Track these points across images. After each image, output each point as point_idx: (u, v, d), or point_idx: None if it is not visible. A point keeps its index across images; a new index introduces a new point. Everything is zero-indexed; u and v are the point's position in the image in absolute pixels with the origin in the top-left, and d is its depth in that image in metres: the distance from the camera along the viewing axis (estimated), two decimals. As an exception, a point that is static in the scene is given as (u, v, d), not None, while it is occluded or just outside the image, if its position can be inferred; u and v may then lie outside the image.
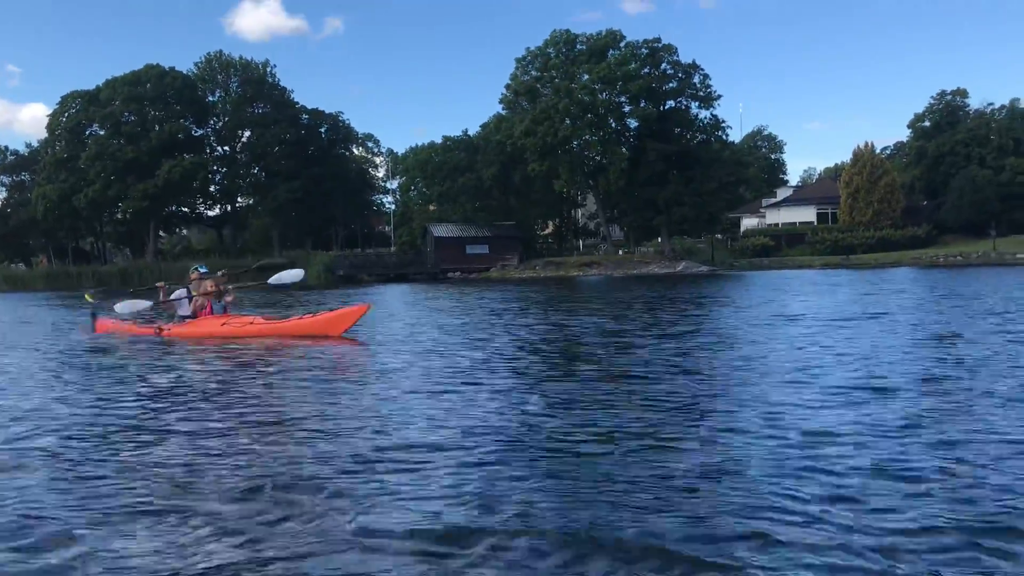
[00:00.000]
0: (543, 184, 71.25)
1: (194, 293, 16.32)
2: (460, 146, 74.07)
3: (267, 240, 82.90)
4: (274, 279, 16.87)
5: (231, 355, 12.62)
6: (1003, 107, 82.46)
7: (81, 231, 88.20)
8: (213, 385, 9.34)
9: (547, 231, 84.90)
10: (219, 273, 16.96)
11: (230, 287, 16.71)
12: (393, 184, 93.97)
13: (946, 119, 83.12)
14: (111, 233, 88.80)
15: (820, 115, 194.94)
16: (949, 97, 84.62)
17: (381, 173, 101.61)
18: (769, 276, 45.72)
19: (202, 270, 16.86)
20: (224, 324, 15.25)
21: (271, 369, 10.77)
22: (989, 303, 18.63)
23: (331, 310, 15.57)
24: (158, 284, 17.63)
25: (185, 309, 16.36)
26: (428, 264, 70.86)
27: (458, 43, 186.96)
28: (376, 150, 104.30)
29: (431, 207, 79.84)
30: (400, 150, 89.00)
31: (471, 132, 76.46)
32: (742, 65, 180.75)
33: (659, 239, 73.63)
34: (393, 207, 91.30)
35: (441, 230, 72.50)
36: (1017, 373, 7.79)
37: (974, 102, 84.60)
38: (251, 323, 15.19)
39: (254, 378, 10.00)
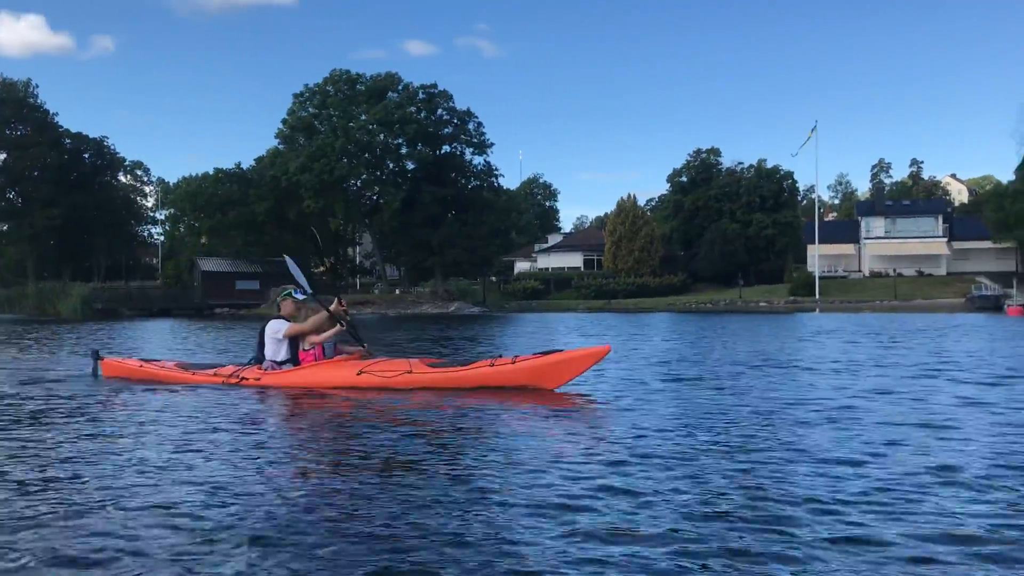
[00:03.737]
0: (319, 221, 70.79)
1: (298, 329, 10.67)
2: (232, 179, 72.38)
3: (21, 269, 77.48)
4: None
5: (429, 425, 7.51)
6: (751, 166, 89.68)
7: None
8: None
9: (322, 269, 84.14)
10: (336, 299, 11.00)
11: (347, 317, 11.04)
12: (162, 215, 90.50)
13: (701, 175, 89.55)
14: None
15: (593, 165, 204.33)
16: (704, 155, 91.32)
17: (150, 203, 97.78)
18: (535, 318, 47.45)
19: (299, 296, 10.89)
20: (363, 373, 10.04)
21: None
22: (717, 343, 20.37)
23: (542, 353, 9.96)
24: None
25: (280, 350, 10.72)
26: (195, 298, 68.52)
27: (236, 72, 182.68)
28: (145, 178, 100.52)
29: (202, 240, 77.39)
30: (172, 179, 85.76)
31: (244, 165, 74.98)
32: (523, 113, 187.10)
33: (434, 280, 74.79)
34: (162, 239, 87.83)
35: (210, 264, 70.41)
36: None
37: (726, 160, 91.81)
38: (408, 371, 9.96)
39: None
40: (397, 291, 74.06)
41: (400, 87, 70.50)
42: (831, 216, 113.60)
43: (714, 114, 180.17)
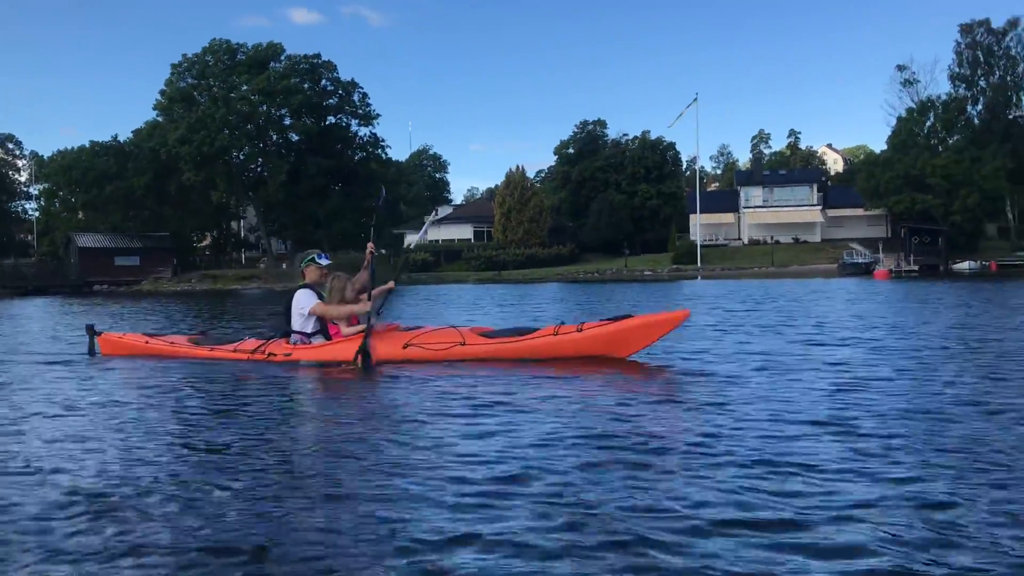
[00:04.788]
0: (200, 194, 69.25)
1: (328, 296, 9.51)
2: (109, 152, 70.11)
3: None
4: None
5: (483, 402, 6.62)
6: (636, 138, 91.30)
7: None
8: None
9: (205, 243, 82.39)
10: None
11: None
12: (36, 190, 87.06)
13: (587, 147, 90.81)
14: None
15: (483, 137, 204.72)
16: (590, 127, 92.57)
17: (23, 177, 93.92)
18: (425, 290, 47.58)
19: (324, 261, 9.82)
20: (409, 346, 9.11)
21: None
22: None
23: (612, 319, 9.11)
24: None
25: (308, 322, 9.59)
26: (72, 276, 66.34)
27: (111, 41, 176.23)
28: (18, 152, 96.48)
29: (79, 216, 74.80)
30: (46, 153, 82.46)
31: (122, 138, 72.69)
32: (411, 83, 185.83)
33: (321, 253, 74.01)
34: (36, 215, 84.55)
35: (87, 240, 68.23)
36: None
37: (612, 132, 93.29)
38: (460, 342, 9.07)
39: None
40: (284, 265, 73.12)
41: (283, 57, 69.26)
42: (713, 186, 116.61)
43: (600, 86, 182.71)
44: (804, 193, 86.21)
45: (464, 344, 9.02)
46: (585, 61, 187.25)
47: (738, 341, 11.19)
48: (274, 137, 69.50)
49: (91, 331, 11.36)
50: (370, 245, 9.83)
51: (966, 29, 74.60)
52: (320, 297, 9.48)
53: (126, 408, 6.75)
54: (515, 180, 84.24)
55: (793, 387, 7.07)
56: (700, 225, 79.61)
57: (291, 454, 5.01)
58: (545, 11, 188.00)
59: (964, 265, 62.52)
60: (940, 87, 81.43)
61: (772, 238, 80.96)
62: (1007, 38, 73.76)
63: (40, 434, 5.70)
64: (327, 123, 70.20)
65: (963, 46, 74.72)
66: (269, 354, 9.50)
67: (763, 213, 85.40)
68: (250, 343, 9.99)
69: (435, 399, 6.87)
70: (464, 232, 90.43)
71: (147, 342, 10.89)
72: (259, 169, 69.69)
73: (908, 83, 77.41)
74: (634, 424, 5.58)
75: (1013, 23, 73.34)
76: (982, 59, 74.17)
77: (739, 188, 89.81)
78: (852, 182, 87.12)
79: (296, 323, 9.58)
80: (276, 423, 6.06)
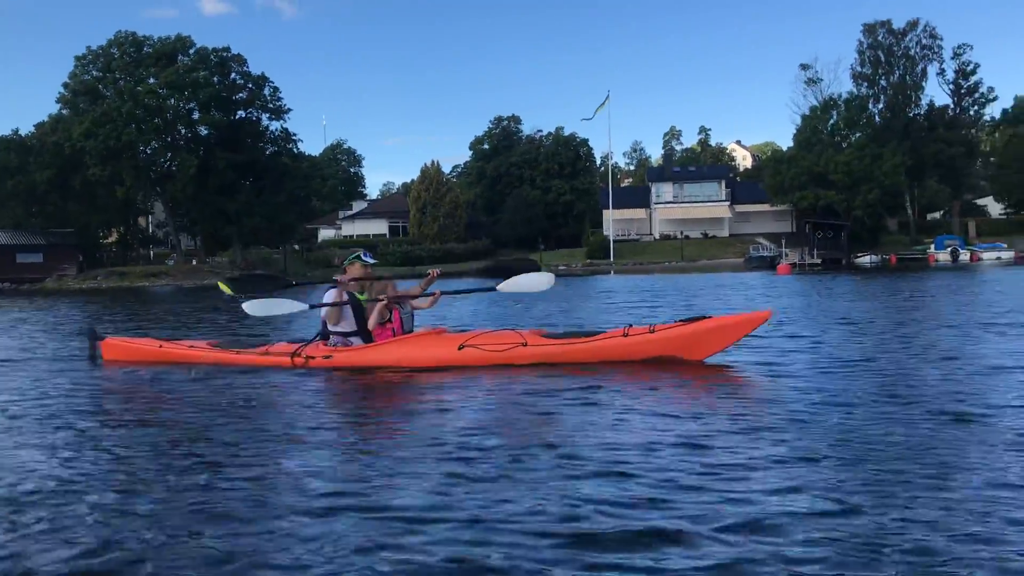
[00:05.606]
0: (107, 189, 67.57)
1: (364, 297, 9.23)
2: (10, 146, 67.88)
3: None
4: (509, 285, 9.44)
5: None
6: (550, 134, 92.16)
7: None
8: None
9: (112, 239, 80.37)
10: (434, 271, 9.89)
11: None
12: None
13: (502, 143, 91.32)
14: None
15: (399, 132, 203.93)
16: (505, 122, 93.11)
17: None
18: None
19: (369, 260, 9.57)
20: (465, 347, 8.67)
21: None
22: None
23: (686, 320, 8.71)
24: (338, 278, 9.58)
25: (346, 321, 9.18)
26: (-30, 274, 64.20)
27: (12, 33, 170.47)
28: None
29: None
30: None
31: (24, 132, 70.44)
32: (326, 77, 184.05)
33: (233, 249, 73.01)
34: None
35: (-14, 237, 66.07)
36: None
37: (526, 128, 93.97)
38: (522, 343, 8.60)
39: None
40: (194, 262, 71.86)
41: (192, 50, 68.01)
42: (627, 182, 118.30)
43: (515, 82, 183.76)
44: (713, 189, 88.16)
45: (526, 345, 8.58)
46: (500, 56, 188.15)
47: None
48: (183, 131, 68.18)
49: (93, 336, 10.50)
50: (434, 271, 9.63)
51: (869, 29, 77.08)
52: (353, 299, 9.16)
53: (147, 427, 6.09)
54: (430, 175, 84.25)
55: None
56: (613, 221, 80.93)
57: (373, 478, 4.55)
58: (460, 6, 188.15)
59: (865, 259, 64.84)
60: (843, 86, 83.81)
61: (682, 233, 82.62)
62: (907, 38, 76.45)
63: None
64: (237, 117, 69.12)
65: (865, 46, 77.16)
66: (308, 358, 9.01)
67: (673, 209, 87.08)
68: (283, 346, 9.49)
69: (499, 406, 6.53)
70: (379, 227, 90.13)
71: (161, 347, 10.08)
72: (167, 164, 68.28)
73: (812, 82, 79.76)
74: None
75: (913, 24, 76.13)
76: (883, 59, 76.71)
77: (651, 184, 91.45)
78: (759, 178, 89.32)
79: (332, 320, 9.18)
80: (340, 434, 5.82)
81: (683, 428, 5.51)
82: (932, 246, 67.42)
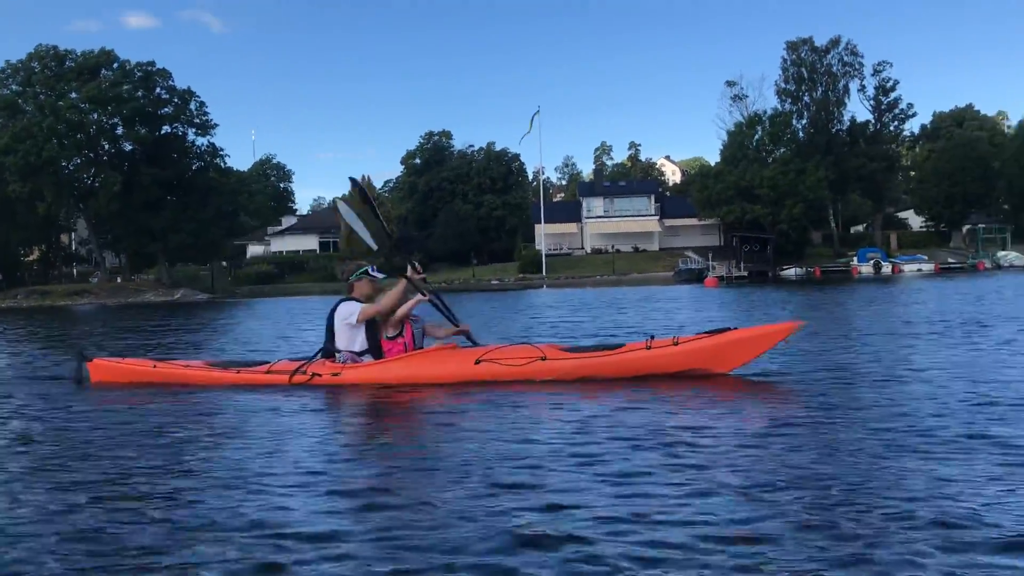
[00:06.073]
0: (27, 206, 65.88)
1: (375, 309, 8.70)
2: (-76, 162, 65.88)
3: None
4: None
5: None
6: (481, 149, 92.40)
7: None
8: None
9: (33, 257, 78.39)
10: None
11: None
12: None
13: (434, 157, 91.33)
14: None
15: (330, 146, 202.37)
16: (436, 137, 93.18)
17: None
18: (268, 303, 46.68)
19: (376, 275, 9.07)
20: (482, 362, 8.35)
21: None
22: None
23: (711, 332, 8.45)
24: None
25: (356, 338, 8.72)
26: None
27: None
28: None
29: None
30: None
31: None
32: (255, 91, 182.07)
33: (158, 267, 71.70)
34: None
35: (-101, 255, 63.84)
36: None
37: (458, 143, 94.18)
38: (540, 357, 8.32)
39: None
40: (119, 279, 70.42)
41: (115, 65, 66.79)
42: (559, 197, 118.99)
43: (446, 97, 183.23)
44: (643, 204, 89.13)
45: (545, 359, 8.28)
46: (431, 71, 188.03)
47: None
48: (106, 147, 66.92)
49: (80, 356, 9.83)
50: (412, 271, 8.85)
51: (792, 46, 78.74)
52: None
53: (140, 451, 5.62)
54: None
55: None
56: (545, 235, 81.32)
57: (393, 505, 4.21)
58: (391, 21, 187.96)
59: (791, 271, 66.20)
60: (768, 102, 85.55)
61: (613, 247, 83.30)
62: (829, 56, 78.25)
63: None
64: (162, 132, 68.04)
65: (789, 63, 78.85)
66: (313, 375, 8.54)
67: (604, 223, 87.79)
68: (284, 364, 9.01)
69: (520, 424, 6.26)
70: (310, 243, 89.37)
71: (154, 367, 9.57)
72: (90, 180, 66.88)
73: (737, 98, 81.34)
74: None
75: (835, 42, 77.96)
76: (806, 75, 78.45)
77: (582, 199, 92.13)
78: (688, 193, 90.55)
79: (342, 339, 8.71)
80: (362, 455, 5.53)
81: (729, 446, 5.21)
82: (855, 259, 69.03)
